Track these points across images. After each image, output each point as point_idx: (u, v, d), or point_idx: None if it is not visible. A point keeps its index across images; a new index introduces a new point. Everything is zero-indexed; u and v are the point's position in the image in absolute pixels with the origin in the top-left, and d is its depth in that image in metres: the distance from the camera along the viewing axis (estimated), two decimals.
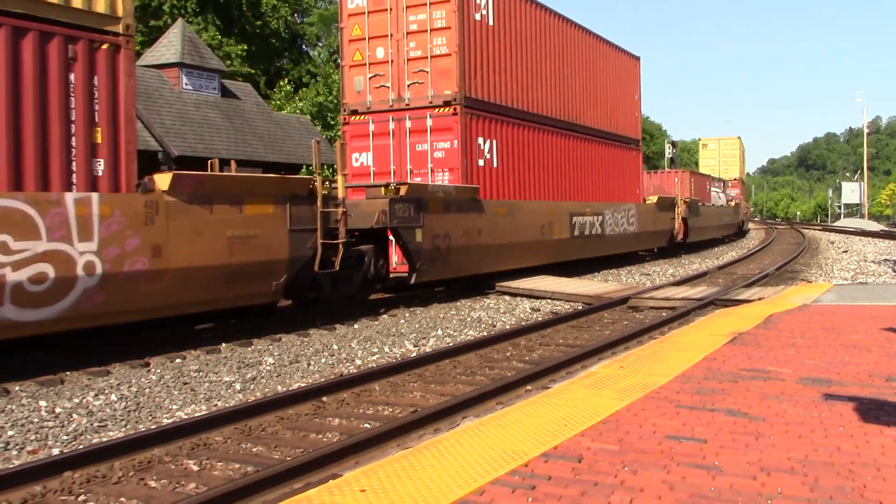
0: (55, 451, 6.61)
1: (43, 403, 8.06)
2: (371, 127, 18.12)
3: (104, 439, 6.86)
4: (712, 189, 44.90)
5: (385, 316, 14.17)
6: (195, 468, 6.10)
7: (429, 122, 17.53)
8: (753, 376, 6.80)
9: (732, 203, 50.99)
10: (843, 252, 33.30)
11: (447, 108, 17.40)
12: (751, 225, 72.32)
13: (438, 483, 4.19)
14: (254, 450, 6.58)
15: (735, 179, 60.34)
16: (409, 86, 17.78)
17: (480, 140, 18.02)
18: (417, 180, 16.98)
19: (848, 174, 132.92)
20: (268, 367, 9.95)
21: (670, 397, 6.07)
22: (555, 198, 21.30)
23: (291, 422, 7.36)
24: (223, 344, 11.25)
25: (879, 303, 12.36)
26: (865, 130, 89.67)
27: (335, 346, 11.30)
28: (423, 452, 4.77)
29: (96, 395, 8.44)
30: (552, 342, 11.60)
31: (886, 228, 63.68)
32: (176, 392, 8.68)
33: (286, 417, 7.45)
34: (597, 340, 11.38)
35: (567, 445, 4.87)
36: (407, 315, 14.40)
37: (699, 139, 69.22)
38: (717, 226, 42.89)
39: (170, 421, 7.52)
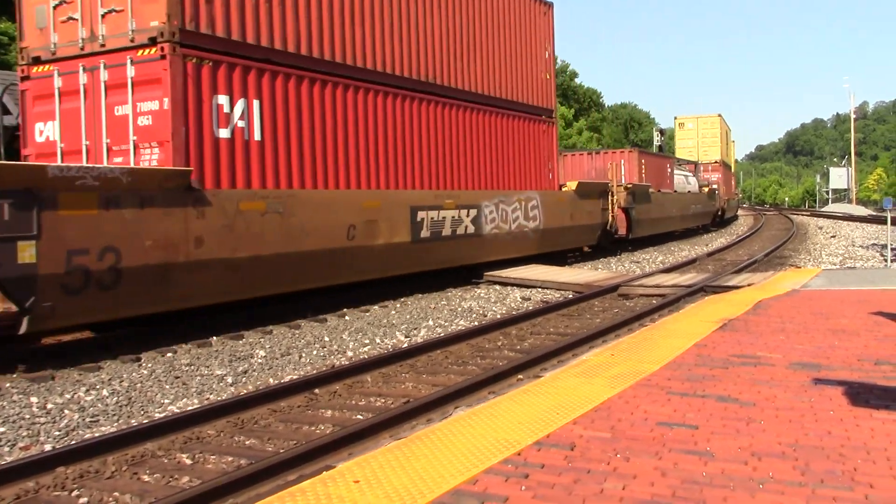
0: (47, 447, 6.60)
1: (34, 399, 8.04)
2: (57, 82, 12.06)
3: (96, 434, 6.86)
4: (676, 172, 38.00)
5: (376, 307, 14.17)
6: (188, 462, 6.10)
7: (130, 72, 11.39)
8: (744, 362, 6.83)
9: (706, 189, 43.83)
10: (832, 237, 33.49)
11: (152, 49, 11.30)
12: (739, 212, 72.37)
13: (431, 473, 4.20)
14: (247, 443, 6.58)
15: (716, 162, 53.51)
16: (103, 16, 11.72)
17: (223, 100, 11.93)
18: (118, 161, 11.53)
19: (835, 159, 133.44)
20: (259, 360, 9.94)
21: (661, 384, 6.10)
22: (387, 185, 15.11)
23: (284, 414, 7.37)
24: (214, 337, 11.23)
25: (868, 287, 12.44)
26: (853, 116, 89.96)
27: (326, 338, 11.30)
28: (416, 443, 4.78)
29: (88, 390, 8.42)
30: (543, 331, 11.63)
31: (874, 213, 64.00)
32: (167, 386, 8.67)
33: (279, 410, 7.46)
34: (588, 329, 11.42)
35: (559, 433, 4.89)
36: (398, 306, 14.40)
37: (675, 117, 59.79)
38: (681, 216, 36.38)
39: (162, 415, 7.50)
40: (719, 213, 48.79)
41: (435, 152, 16.66)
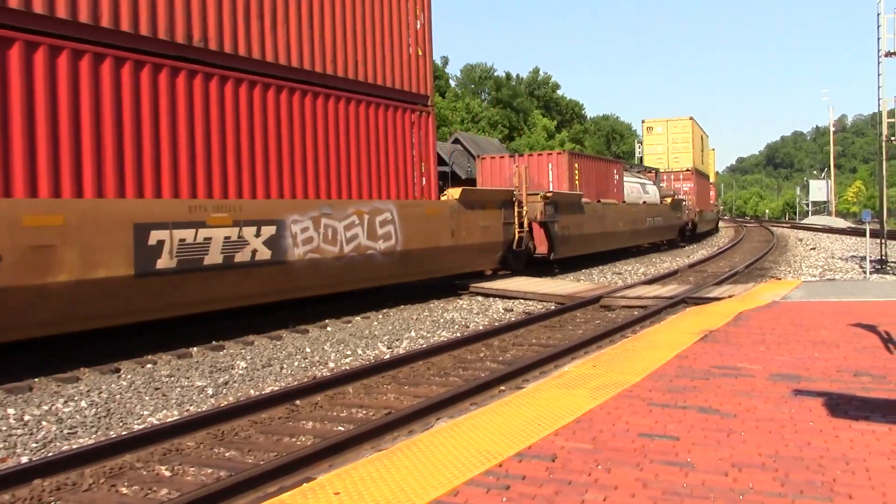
0: (24, 459, 6.52)
1: (11, 411, 7.94)
2: None
3: (74, 446, 6.78)
4: (628, 180, 32.40)
5: (358, 318, 14.13)
6: (167, 474, 6.04)
7: None
8: (724, 373, 6.86)
9: (668, 199, 37.79)
10: (811, 249, 33.76)
11: None
12: (721, 224, 72.74)
13: (413, 484, 4.19)
14: (227, 454, 6.53)
15: (687, 170, 46.81)
16: None
17: None
18: None
19: (815, 172, 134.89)
20: (240, 371, 9.88)
21: (643, 395, 6.11)
22: (98, 192, 10.29)
23: (265, 425, 7.32)
24: (194, 348, 11.16)
25: (847, 299, 12.54)
26: (832, 129, 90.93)
27: (308, 349, 11.26)
28: (398, 454, 4.76)
29: (66, 401, 8.34)
30: (525, 342, 11.63)
31: (853, 225, 64.62)
32: (147, 398, 8.60)
33: (259, 421, 7.41)
34: (570, 340, 11.43)
35: (541, 445, 4.88)
36: (380, 317, 14.37)
37: (643, 120, 53.31)
38: (632, 231, 31.01)
39: (141, 427, 7.44)
40: (689, 227, 42.79)
41: (204, 146, 11.64)
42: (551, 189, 23.93)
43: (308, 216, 13.23)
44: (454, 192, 17.81)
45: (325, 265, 13.59)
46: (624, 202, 30.50)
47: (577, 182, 25.80)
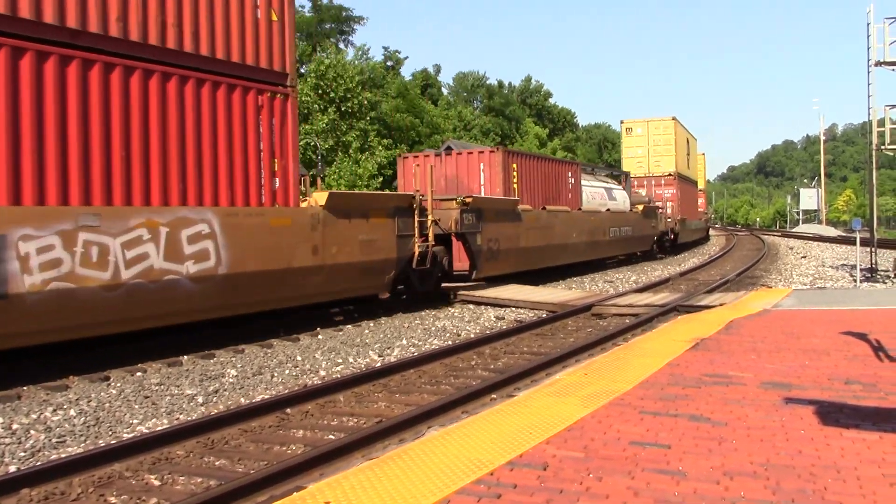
0: (12, 468, 6.47)
1: None
2: None
3: (63, 455, 6.74)
4: (588, 184, 28.59)
5: (349, 326, 14.10)
6: (157, 483, 6.00)
7: None
8: (716, 381, 6.87)
9: (640, 207, 33.95)
10: (802, 257, 33.87)
11: None
12: (712, 232, 72.88)
13: (403, 493, 4.17)
14: (217, 463, 6.50)
15: (669, 175, 42.53)
16: None
17: None
18: None
19: (806, 181, 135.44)
20: (230, 380, 9.84)
21: (634, 403, 6.11)
22: None
23: (255, 434, 7.29)
24: (185, 356, 11.11)
25: (838, 307, 12.57)
26: (822, 138, 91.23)
27: (299, 358, 11.22)
28: (388, 463, 4.75)
29: (55, 410, 8.28)
30: (517, 350, 11.62)
31: (843, 234, 64.86)
32: (137, 406, 8.55)
33: (250, 430, 7.37)
34: (561, 348, 11.43)
35: (532, 453, 4.87)
36: (371, 325, 14.34)
37: (622, 121, 48.14)
38: (588, 243, 26.68)
39: (130, 435, 7.39)
40: (668, 237, 39.24)
41: None
42: (482, 193, 20.96)
43: (52, 230, 9.40)
44: (319, 197, 13.90)
45: (85, 298, 9.76)
46: (580, 209, 26.91)
47: (514, 186, 22.25)
